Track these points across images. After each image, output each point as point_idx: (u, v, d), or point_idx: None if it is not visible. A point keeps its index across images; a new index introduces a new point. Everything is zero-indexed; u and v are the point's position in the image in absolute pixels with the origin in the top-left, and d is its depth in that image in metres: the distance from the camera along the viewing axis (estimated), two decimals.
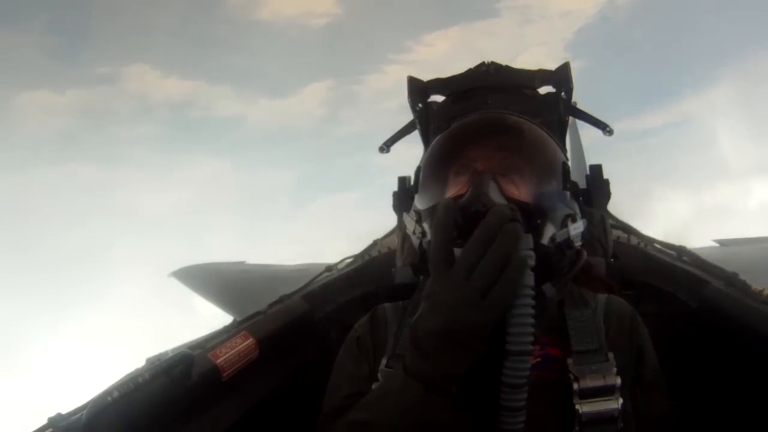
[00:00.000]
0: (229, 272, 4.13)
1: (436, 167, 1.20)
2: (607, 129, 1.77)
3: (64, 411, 0.97)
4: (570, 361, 1.01)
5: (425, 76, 1.82)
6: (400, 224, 1.84)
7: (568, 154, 1.48)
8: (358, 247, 2.37)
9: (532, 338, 0.84)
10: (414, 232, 1.18)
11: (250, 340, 1.43)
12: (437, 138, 1.27)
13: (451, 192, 1.12)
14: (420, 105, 1.82)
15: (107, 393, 0.99)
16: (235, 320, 1.68)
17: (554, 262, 1.09)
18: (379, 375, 1.06)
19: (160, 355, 1.27)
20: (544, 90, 1.78)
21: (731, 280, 1.47)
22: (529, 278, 0.84)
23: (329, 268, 2.14)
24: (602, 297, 1.17)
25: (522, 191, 1.08)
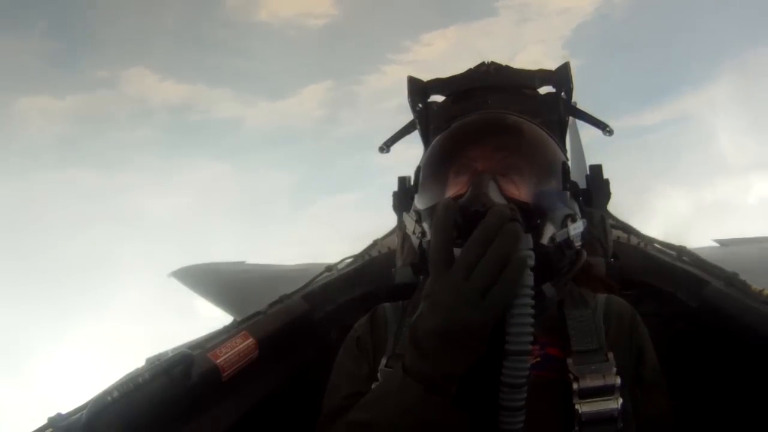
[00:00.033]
0: (228, 272, 4.13)
1: (436, 167, 1.20)
2: (607, 129, 1.77)
3: (64, 411, 0.97)
4: (570, 361, 1.01)
5: (424, 76, 1.82)
6: (400, 224, 1.84)
7: (568, 154, 1.48)
8: (358, 248, 2.37)
9: (531, 338, 0.84)
10: (414, 232, 1.18)
11: (250, 340, 1.43)
12: (437, 138, 1.27)
13: (450, 192, 1.12)
14: (420, 105, 1.82)
15: (107, 393, 0.99)
16: (235, 320, 1.68)
17: (554, 262, 1.09)
18: (378, 375, 1.07)
19: (160, 355, 1.27)
20: (544, 90, 1.78)
21: (731, 280, 1.47)
22: (529, 278, 0.84)
23: (329, 268, 2.14)
24: (602, 297, 1.17)
25: (522, 191, 1.09)
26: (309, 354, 1.75)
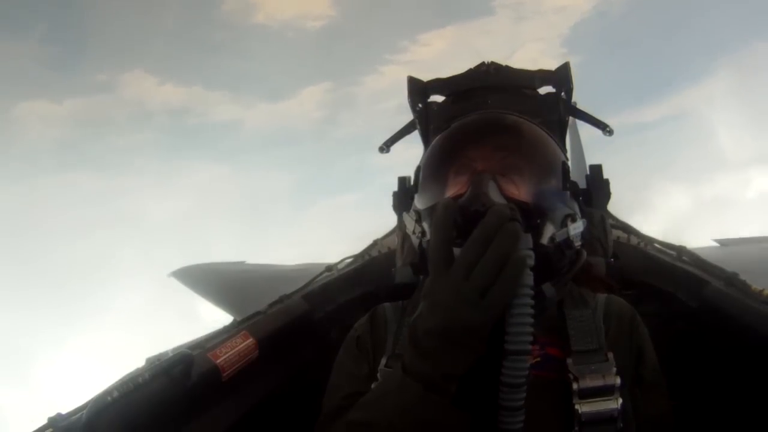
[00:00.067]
0: (228, 272, 4.12)
1: (435, 167, 1.20)
2: (607, 129, 1.77)
3: (64, 411, 0.97)
4: (569, 360, 1.01)
5: (422, 76, 1.82)
6: (400, 224, 1.84)
7: (568, 154, 1.48)
8: (359, 248, 2.37)
9: (531, 338, 0.84)
10: (414, 232, 1.18)
11: (250, 340, 1.43)
12: (437, 138, 1.27)
13: (450, 192, 1.12)
14: (420, 105, 1.82)
15: (107, 393, 0.99)
16: (235, 320, 1.68)
17: (554, 261, 1.09)
18: (378, 375, 1.07)
19: (160, 355, 1.27)
20: (544, 90, 1.78)
21: (731, 280, 1.47)
22: (529, 278, 0.84)
23: (329, 268, 2.14)
24: (602, 297, 1.17)
25: (522, 191, 1.09)
26: (309, 354, 1.75)
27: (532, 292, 0.84)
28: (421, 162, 1.25)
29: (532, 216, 1.05)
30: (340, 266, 2.18)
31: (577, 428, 0.96)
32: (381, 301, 1.26)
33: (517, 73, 1.76)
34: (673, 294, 1.71)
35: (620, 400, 0.97)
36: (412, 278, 1.28)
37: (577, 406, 0.96)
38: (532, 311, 0.84)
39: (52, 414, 0.94)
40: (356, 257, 2.29)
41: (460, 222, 0.92)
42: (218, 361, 1.28)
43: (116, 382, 1.04)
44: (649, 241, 2.06)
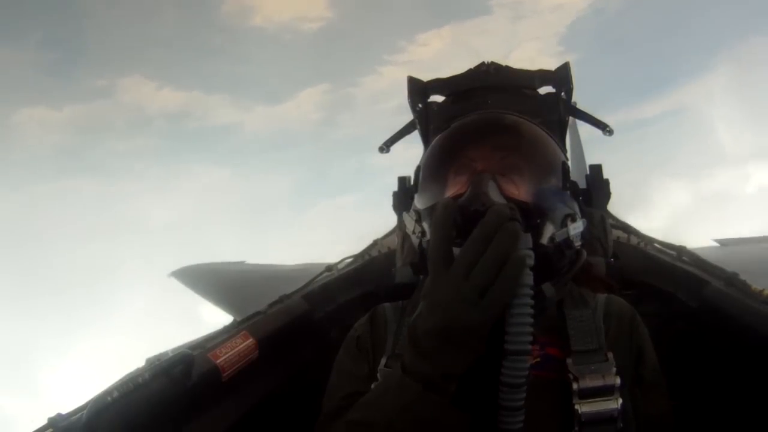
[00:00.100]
0: (228, 272, 4.13)
1: (435, 167, 1.20)
2: (607, 129, 1.77)
3: (64, 411, 0.97)
4: (569, 360, 1.01)
5: (420, 76, 1.83)
6: (400, 224, 1.84)
7: (568, 154, 1.48)
8: (360, 249, 2.37)
9: (530, 337, 0.84)
10: (414, 232, 1.18)
11: (250, 340, 1.43)
12: (437, 138, 1.27)
13: (450, 192, 1.12)
14: (420, 105, 1.82)
15: (107, 393, 0.99)
16: (235, 320, 1.68)
17: (554, 261, 1.09)
18: (378, 374, 1.07)
19: (160, 355, 1.27)
20: (544, 90, 1.78)
21: (731, 280, 1.47)
22: (528, 277, 0.84)
23: (329, 268, 2.14)
24: (602, 297, 1.17)
25: (521, 191, 1.09)
26: (309, 354, 1.75)
27: (531, 292, 0.84)
28: (421, 162, 1.25)
29: (532, 216, 1.05)
30: (340, 266, 2.18)
31: (577, 428, 0.96)
32: (381, 301, 1.26)
33: (517, 73, 1.76)
34: (673, 294, 1.71)
35: (620, 400, 0.97)
36: (412, 278, 1.28)
37: (577, 406, 0.96)
38: (531, 311, 0.84)
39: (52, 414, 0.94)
40: (356, 257, 2.29)
41: (460, 221, 0.92)
42: (218, 361, 1.28)
43: (116, 382, 1.04)
44: (649, 241, 2.06)
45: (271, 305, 1.72)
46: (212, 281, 3.87)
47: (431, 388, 0.83)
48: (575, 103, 1.80)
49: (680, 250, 1.85)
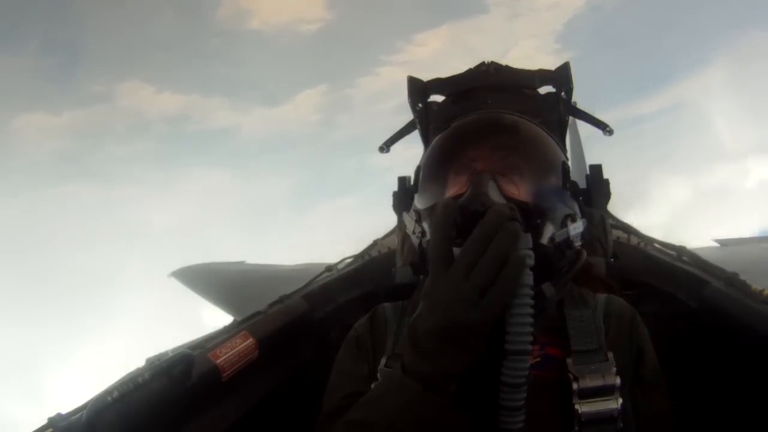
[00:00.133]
0: (228, 272, 4.13)
1: (435, 167, 1.20)
2: (608, 129, 1.77)
3: (64, 411, 0.97)
4: (569, 360, 1.01)
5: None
6: (400, 224, 1.84)
7: (568, 154, 1.48)
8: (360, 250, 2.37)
9: (531, 337, 0.84)
10: (414, 232, 1.18)
11: (250, 340, 1.43)
12: (437, 138, 1.27)
13: (450, 192, 1.12)
14: (420, 105, 1.82)
15: (107, 393, 0.99)
16: (235, 320, 1.68)
17: (554, 261, 1.09)
18: (378, 374, 1.07)
19: (160, 355, 1.27)
20: (544, 90, 1.78)
21: (731, 280, 1.47)
22: (528, 277, 0.84)
23: (329, 268, 2.15)
24: (602, 297, 1.17)
25: (521, 191, 1.09)
26: (309, 354, 1.75)
27: (531, 292, 0.84)
28: (421, 162, 1.25)
29: (532, 216, 1.05)
30: (340, 266, 2.18)
31: (576, 428, 0.96)
32: (381, 301, 1.26)
33: (517, 73, 1.76)
34: (673, 294, 1.71)
35: (620, 400, 0.97)
36: (412, 278, 1.28)
37: (577, 406, 0.96)
38: (532, 311, 0.84)
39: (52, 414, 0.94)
40: (356, 257, 2.29)
41: (460, 221, 0.92)
42: (218, 361, 1.28)
43: (116, 382, 1.03)
44: (649, 241, 2.06)
45: (271, 305, 1.72)
46: (212, 281, 3.87)
47: (431, 388, 0.83)
48: (575, 102, 1.81)
49: (680, 251, 1.85)
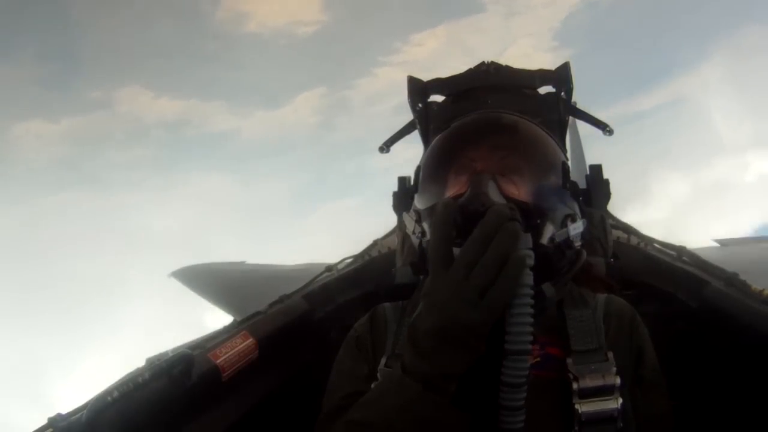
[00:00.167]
0: (229, 272, 4.12)
1: (435, 167, 1.20)
2: (607, 129, 1.77)
3: (64, 411, 0.97)
4: (569, 360, 1.01)
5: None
6: (400, 224, 1.84)
7: (568, 154, 1.48)
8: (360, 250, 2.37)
9: (531, 337, 0.84)
10: (414, 232, 1.18)
11: (250, 340, 1.43)
12: (437, 138, 1.27)
13: (450, 192, 1.12)
14: (420, 105, 1.82)
15: (107, 393, 0.99)
16: (235, 320, 1.68)
17: (554, 261, 1.09)
18: (378, 374, 1.07)
19: (160, 355, 1.27)
20: (544, 90, 1.78)
21: (731, 280, 1.47)
22: (528, 277, 0.84)
23: (329, 268, 2.15)
24: (602, 297, 1.17)
25: (521, 191, 1.09)
26: (309, 354, 1.75)
27: (532, 292, 0.84)
28: (421, 162, 1.25)
29: (532, 216, 1.05)
30: (340, 266, 2.18)
31: (577, 428, 0.96)
32: (381, 301, 1.26)
33: (517, 73, 1.76)
34: (673, 294, 1.71)
35: (620, 400, 0.97)
36: (412, 278, 1.28)
37: (577, 406, 0.96)
38: (532, 311, 0.84)
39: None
40: (356, 257, 2.29)
41: (460, 221, 0.92)
42: (218, 361, 1.28)
43: (116, 382, 1.04)
44: (649, 241, 2.06)
45: (271, 305, 1.72)
46: (212, 281, 3.86)
47: (431, 387, 0.83)
48: (575, 102, 1.81)
49: (680, 251, 1.85)
